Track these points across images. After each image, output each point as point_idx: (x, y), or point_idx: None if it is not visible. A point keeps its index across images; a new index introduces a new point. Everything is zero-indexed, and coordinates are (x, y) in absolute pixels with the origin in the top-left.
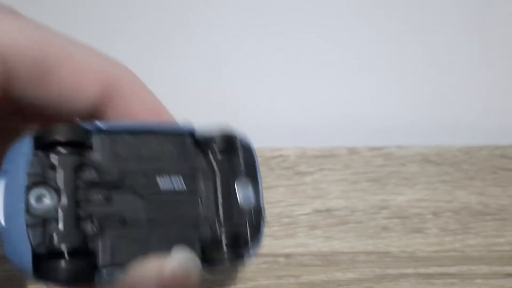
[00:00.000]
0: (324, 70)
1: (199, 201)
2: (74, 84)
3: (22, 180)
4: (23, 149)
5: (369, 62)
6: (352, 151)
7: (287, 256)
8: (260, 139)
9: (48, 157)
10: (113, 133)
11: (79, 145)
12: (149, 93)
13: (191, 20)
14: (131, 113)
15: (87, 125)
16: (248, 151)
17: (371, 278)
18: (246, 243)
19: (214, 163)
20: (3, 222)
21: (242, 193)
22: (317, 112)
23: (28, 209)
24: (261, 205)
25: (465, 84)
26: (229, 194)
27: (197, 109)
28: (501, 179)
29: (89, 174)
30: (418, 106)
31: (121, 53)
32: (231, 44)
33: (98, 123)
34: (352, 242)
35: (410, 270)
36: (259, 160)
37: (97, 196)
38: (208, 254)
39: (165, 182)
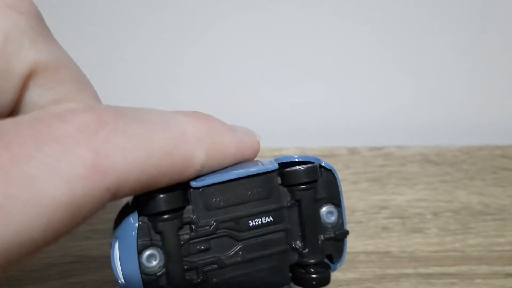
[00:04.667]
0: (324, 71)
1: (286, 232)
2: None
3: (133, 245)
4: (130, 217)
5: (369, 63)
6: (352, 151)
7: None
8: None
9: (154, 224)
10: (205, 188)
11: (180, 209)
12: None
13: (192, 21)
14: None
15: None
16: (330, 175)
17: (371, 278)
18: (331, 260)
19: (298, 194)
20: (122, 280)
21: (326, 216)
22: (317, 112)
23: (142, 268)
24: (344, 225)
25: (465, 84)
26: (314, 219)
27: (197, 110)
28: (501, 179)
29: (189, 230)
30: (418, 106)
31: (124, 53)
32: (232, 44)
33: (193, 183)
34: (352, 242)
35: (410, 270)
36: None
37: (197, 247)
38: (297, 276)
39: (256, 222)
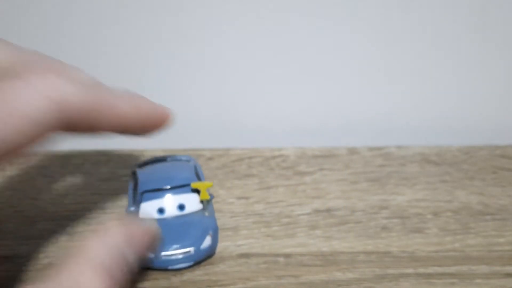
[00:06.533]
0: (324, 71)
1: None
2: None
3: None
4: None
5: (369, 63)
6: (352, 151)
7: (287, 256)
8: (260, 139)
9: None
10: None
11: None
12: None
13: (190, 22)
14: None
15: None
16: None
17: (371, 278)
18: None
19: None
20: None
21: None
22: (317, 112)
23: None
24: None
25: (465, 84)
26: None
27: (198, 110)
28: (501, 179)
29: None
30: (418, 106)
31: (124, 53)
32: (231, 45)
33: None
34: (352, 242)
35: (410, 270)
36: (259, 160)
37: None
38: None
39: None
